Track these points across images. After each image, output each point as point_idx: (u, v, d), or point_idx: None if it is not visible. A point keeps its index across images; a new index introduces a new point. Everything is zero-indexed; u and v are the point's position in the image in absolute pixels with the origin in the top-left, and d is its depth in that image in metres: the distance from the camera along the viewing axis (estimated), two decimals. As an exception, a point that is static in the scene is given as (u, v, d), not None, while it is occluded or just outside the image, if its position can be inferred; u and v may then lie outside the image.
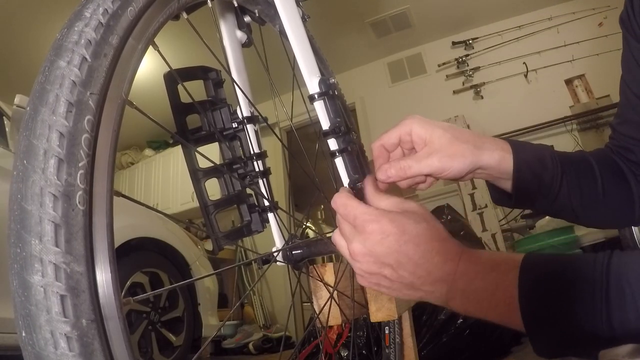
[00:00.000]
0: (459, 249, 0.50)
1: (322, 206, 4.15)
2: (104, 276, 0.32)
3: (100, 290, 0.32)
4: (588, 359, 0.46)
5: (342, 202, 0.54)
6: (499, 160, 0.63)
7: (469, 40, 4.09)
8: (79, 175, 0.32)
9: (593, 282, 0.41)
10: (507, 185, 0.66)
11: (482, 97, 4.03)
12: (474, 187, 3.59)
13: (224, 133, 0.74)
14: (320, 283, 0.84)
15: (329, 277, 0.85)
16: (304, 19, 0.73)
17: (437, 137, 0.60)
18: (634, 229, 2.04)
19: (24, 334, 0.30)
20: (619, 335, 0.39)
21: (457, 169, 0.60)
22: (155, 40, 0.44)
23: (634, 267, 0.40)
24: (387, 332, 1.01)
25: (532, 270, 0.45)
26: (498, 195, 0.71)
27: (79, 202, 0.31)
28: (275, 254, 0.73)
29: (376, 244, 0.49)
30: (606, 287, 0.40)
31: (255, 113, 0.76)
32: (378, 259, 0.49)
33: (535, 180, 0.65)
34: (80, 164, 0.32)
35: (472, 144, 0.61)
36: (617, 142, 0.71)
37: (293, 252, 0.74)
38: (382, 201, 0.54)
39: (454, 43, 4.14)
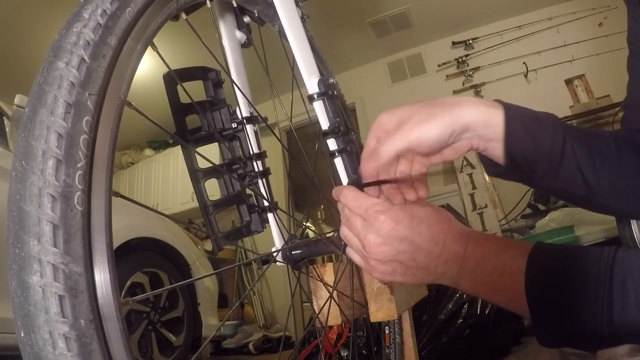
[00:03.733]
0: (467, 230, 0.51)
1: (322, 206, 4.15)
2: (102, 276, 0.32)
3: (98, 290, 0.32)
4: (589, 351, 0.47)
5: (352, 195, 0.55)
6: (485, 114, 0.54)
7: (469, 40, 4.09)
8: (77, 176, 0.32)
9: (597, 275, 0.41)
10: (500, 152, 0.56)
11: (482, 97, 4.03)
12: (474, 187, 3.59)
13: (224, 133, 0.74)
14: (320, 283, 0.84)
15: (329, 277, 0.85)
16: (303, 19, 0.73)
17: (406, 110, 0.54)
18: (634, 229, 2.03)
19: (22, 334, 0.30)
20: (618, 329, 0.40)
21: (436, 133, 0.51)
22: (154, 40, 0.44)
23: (639, 262, 0.41)
24: (387, 332, 1.01)
25: (540, 260, 0.45)
26: (493, 169, 0.60)
27: (77, 203, 0.31)
28: (275, 254, 0.73)
29: (391, 231, 0.50)
30: (609, 281, 0.40)
31: (255, 113, 0.76)
32: (393, 246, 0.50)
33: (531, 139, 0.55)
34: (78, 165, 0.32)
35: (447, 104, 0.53)
36: (631, 124, 0.64)
37: (293, 252, 0.74)
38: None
39: (454, 43, 4.14)
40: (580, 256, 0.44)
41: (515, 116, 0.55)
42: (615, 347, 0.64)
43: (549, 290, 0.43)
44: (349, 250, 0.58)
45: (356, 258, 0.56)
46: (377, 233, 0.51)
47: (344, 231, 0.57)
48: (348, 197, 0.55)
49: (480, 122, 0.53)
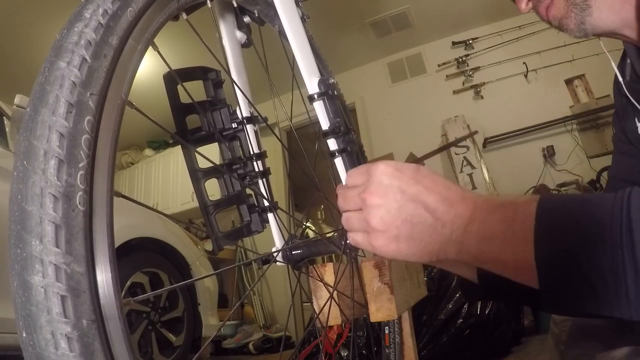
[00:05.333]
0: (471, 191, 0.48)
1: (322, 206, 4.15)
2: (104, 276, 0.32)
3: (100, 290, 0.32)
4: (597, 317, 0.39)
5: (349, 172, 0.53)
6: None
7: (469, 40, 4.09)
8: (79, 175, 0.32)
9: (611, 219, 0.36)
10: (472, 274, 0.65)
11: (482, 97, 4.03)
12: (474, 187, 3.59)
13: (224, 133, 0.74)
14: (320, 283, 0.84)
15: (329, 277, 0.85)
16: (303, 20, 0.73)
17: None
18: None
19: (24, 335, 0.30)
20: None
21: None
22: (155, 40, 0.44)
23: None
24: (387, 332, 1.01)
25: (552, 207, 0.41)
26: (468, 292, 0.70)
27: (79, 203, 0.31)
28: (275, 254, 0.73)
29: (393, 180, 0.47)
30: (627, 222, 0.35)
31: (255, 113, 0.76)
32: (397, 197, 0.46)
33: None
34: (80, 165, 0.32)
35: None
36: None
37: (293, 252, 0.74)
38: None
39: (454, 43, 4.14)
40: (593, 200, 0.40)
41: None
42: (614, 350, 0.63)
43: (560, 235, 0.38)
44: (349, 226, 0.52)
45: (356, 225, 0.51)
46: (378, 182, 0.47)
47: (340, 204, 0.53)
48: (346, 175, 0.53)
49: None
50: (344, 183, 0.68)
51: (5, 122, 1.88)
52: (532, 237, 0.39)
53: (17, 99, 1.60)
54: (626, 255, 0.35)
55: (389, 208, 0.46)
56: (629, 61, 0.77)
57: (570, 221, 0.39)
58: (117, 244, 1.93)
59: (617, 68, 0.79)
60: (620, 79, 0.78)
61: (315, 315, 0.84)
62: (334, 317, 0.84)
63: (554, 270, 0.39)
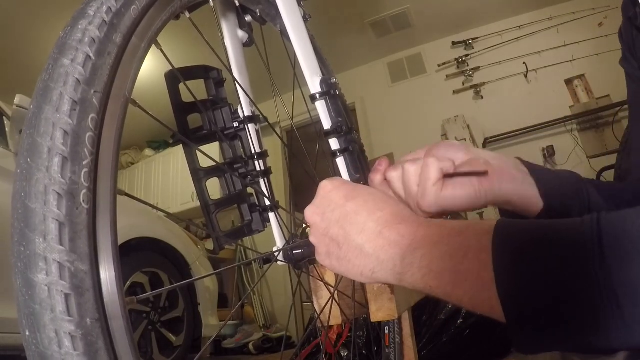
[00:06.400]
0: (417, 216, 0.43)
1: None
2: (108, 275, 0.32)
3: (104, 288, 0.32)
4: (579, 352, 0.38)
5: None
6: (507, 160, 0.58)
7: (469, 40, 4.09)
8: (83, 173, 0.32)
9: (584, 241, 0.32)
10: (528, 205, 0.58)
11: (482, 97, 4.03)
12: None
13: (225, 132, 0.74)
14: (321, 283, 0.84)
15: (330, 277, 0.85)
16: (305, 19, 0.73)
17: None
18: None
19: (27, 333, 0.30)
20: (623, 303, 0.30)
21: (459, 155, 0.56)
22: (157, 39, 0.44)
23: (635, 221, 0.32)
24: (387, 332, 1.01)
25: (509, 233, 0.36)
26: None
27: (83, 201, 0.31)
28: (276, 254, 0.73)
29: (323, 198, 0.48)
30: (599, 245, 0.32)
31: (257, 112, 0.76)
32: (325, 215, 0.46)
33: (559, 183, 0.58)
34: (84, 162, 0.32)
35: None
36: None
37: (294, 252, 0.74)
38: None
39: (454, 43, 4.14)
40: (556, 225, 0.35)
41: (539, 171, 0.59)
42: (611, 357, 0.62)
43: (525, 265, 0.34)
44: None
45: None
46: (314, 202, 0.48)
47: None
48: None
49: (503, 164, 0.57)
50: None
51: (5, 122, 1.88)
52: (490, 276, 0.34)
53: (17, 99, 1.60)
54: (602, 280, 0.31)
55: (318, 227, 0.47)
56: None
57: (537, 253, 0.34)
58: (117, 244, 1.92)
59: None
60: None
61: (317, 316, 0.84)
62: (335, 317, 0.84)
63: (524, 310, 0.34)
